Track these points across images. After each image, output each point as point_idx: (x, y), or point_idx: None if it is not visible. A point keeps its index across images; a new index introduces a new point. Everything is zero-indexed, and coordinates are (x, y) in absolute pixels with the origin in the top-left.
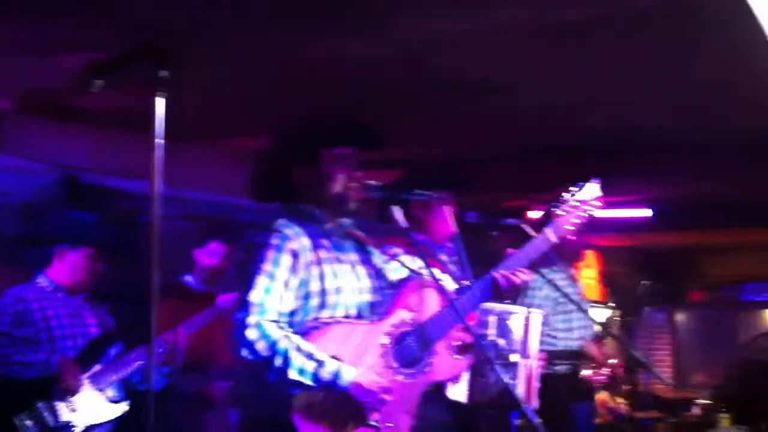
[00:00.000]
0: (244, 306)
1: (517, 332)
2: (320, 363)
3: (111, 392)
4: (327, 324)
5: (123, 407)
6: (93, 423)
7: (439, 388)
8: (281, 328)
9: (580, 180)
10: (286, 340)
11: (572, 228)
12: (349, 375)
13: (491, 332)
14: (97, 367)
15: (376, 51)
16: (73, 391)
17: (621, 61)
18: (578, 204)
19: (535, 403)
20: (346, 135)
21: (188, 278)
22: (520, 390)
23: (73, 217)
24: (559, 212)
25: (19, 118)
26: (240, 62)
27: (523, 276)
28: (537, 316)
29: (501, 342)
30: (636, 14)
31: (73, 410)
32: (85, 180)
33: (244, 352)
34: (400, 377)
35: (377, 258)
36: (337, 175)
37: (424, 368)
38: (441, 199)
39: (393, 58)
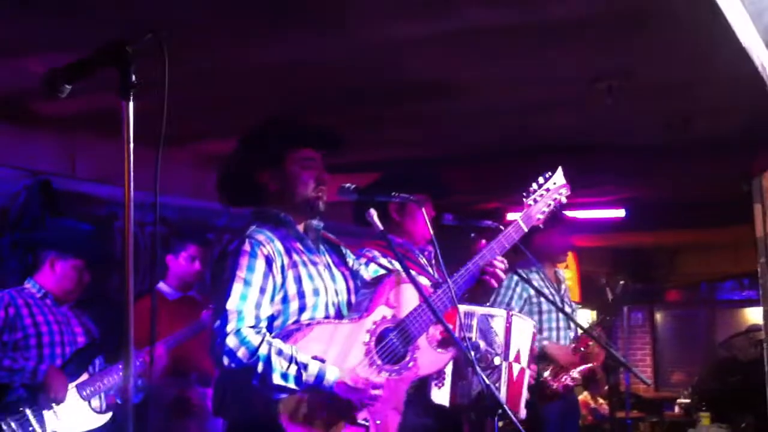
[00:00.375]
0: (222, 315)
1: (499, 335)
2: (303, 366)
3: (95, 402)
4: (308, 325)
5: (106, 417)
6: None
7: (422, 391)
8: (260, 333)
9: None
10: (267, 345)
11: (542, 217)
12: (332, 375)
13: (473, 335)
14: (83, 376)
15: (348, 53)
16: (60, 400)
17: (595, 62)
18: (545, 192)
19: (521, 411)
20: (309, 138)
21: (162, 286)
22: (502, 393)
23: (55, 223)
24: (528, 202)
25: None
26: (210, 64)
27: (499, 265)
28: (519, 319)
29: (482, 345)
30: (609, 15)
31: (59, 419)
32: (58, 186)
33: (225, 361)
34: (385, 374)
35: (351, 259)
36: (305, 179)
37: (408, 364)
38: (418, 201)
39: (366, 59)
